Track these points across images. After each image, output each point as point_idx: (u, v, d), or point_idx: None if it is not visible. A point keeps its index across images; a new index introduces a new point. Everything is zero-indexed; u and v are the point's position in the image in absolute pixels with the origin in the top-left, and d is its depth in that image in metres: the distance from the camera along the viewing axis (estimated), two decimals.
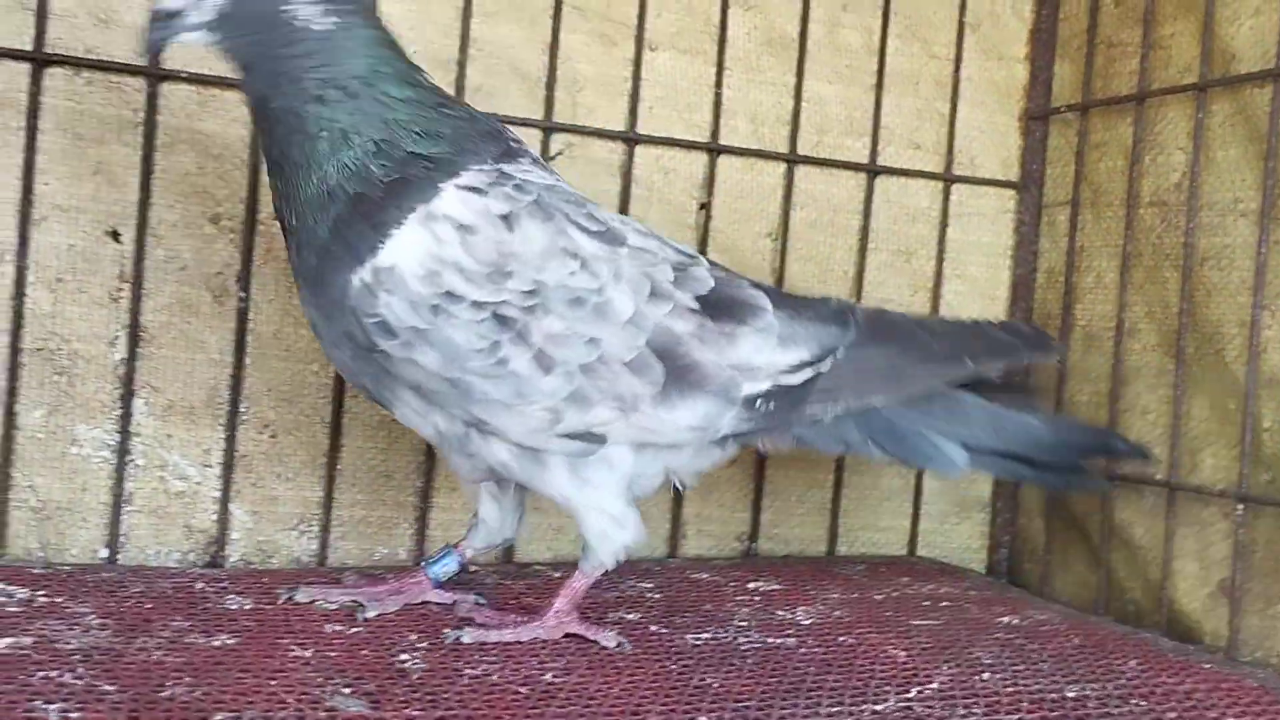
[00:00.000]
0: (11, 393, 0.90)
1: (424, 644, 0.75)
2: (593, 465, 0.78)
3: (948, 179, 1.15)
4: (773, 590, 0.95)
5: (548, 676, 0.71)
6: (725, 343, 0.77)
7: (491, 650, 0.75)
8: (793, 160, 1.10)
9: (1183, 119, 1.00)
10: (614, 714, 0.66)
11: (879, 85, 1.12)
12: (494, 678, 0.70)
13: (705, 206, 1.08)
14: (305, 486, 0.98)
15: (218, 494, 0.95)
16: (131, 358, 0.93)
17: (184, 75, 0.93)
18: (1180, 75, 1.01)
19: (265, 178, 0.93)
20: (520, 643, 0.77)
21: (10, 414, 0.90)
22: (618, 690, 0.69)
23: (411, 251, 0.71)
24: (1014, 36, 1.17)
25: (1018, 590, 1.07)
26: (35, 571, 0.84)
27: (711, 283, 0.79)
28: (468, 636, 0.76)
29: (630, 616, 0.85)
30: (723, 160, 1.08)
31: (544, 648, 0.76)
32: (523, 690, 0.68)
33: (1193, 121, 0.98)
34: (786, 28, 1.09)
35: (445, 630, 0.77)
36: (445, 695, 0.66)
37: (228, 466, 0.95)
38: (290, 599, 0.81)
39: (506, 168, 0.76)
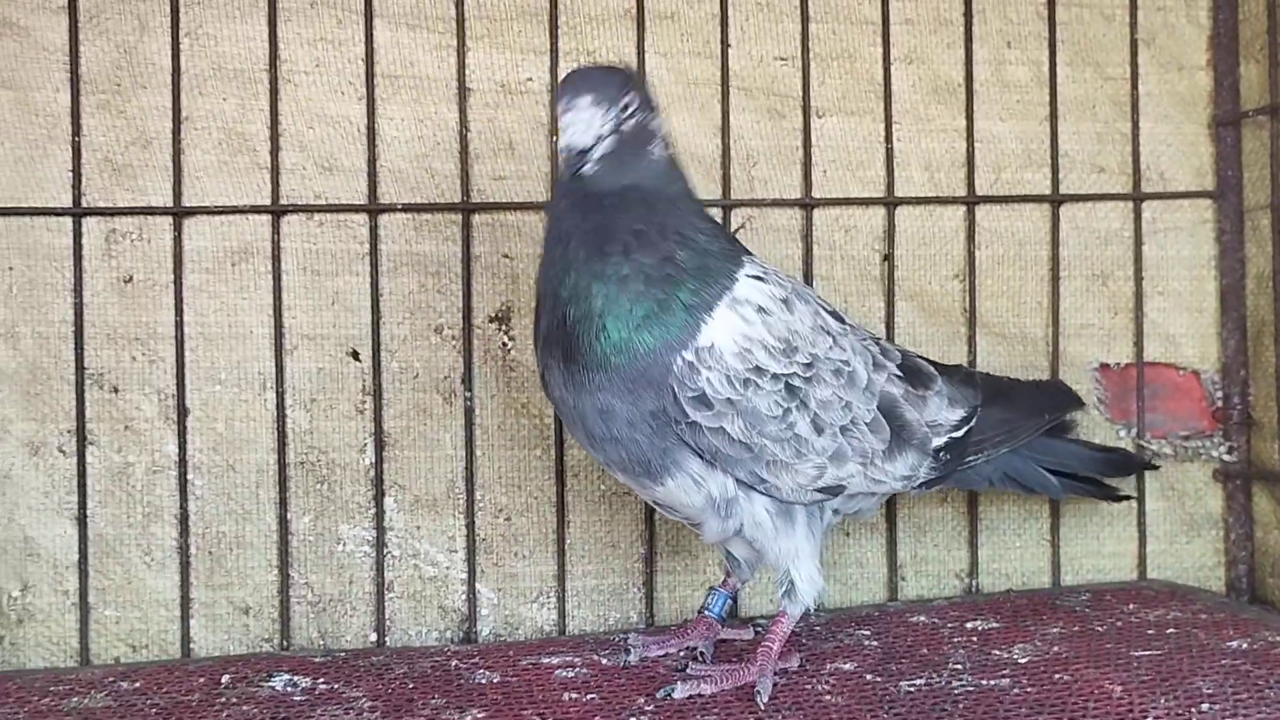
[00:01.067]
0: (283, 503, 1.03)
1: (650, 706, 0.82)
2: (816, 516, 0.90)
3: (1137, 198, 1.14)
4: (990, 630, 0.97)
5: None
6: (921, 404, 0.92)
7: (712, 706, 0.81)
8: (972, 201, 1.12)
9: None
10: None
11: (1053, 115, 1.13)
12: None
13: (889, 258, 1.11)
14: (540, 562, 1.07)
15: (464, 576, 1.06)
16: (379, 461, 1.05)
17: (399, 207, 1.04)
18: None
19: (476, 287, 1.05)
20: (732, 688, 0.82)
21: (284, 521, 1.03)
22: None
23: (727, 332, 0.83)
24: (1192, 45, 1.15)
25: (1256, 609, 1.04)
26: (316, 660, 0.95)
27: (899, 356, 0.94)
28: (679, 691, 0.83)
29: (846, 666, 0.89)
30: (901, 211, 1.11)
31: (760, 706, 0.81)
32: None
33: None
34: (951, 74, 1.12)
35: (661, 689, 0.83)
36: None
37: (470, 550, 1.05)
38: (625, 663, 0.91)
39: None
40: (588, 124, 0.81)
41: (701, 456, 0.85)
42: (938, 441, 0.92)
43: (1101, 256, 1.14)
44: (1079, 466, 1.06)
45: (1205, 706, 0.76)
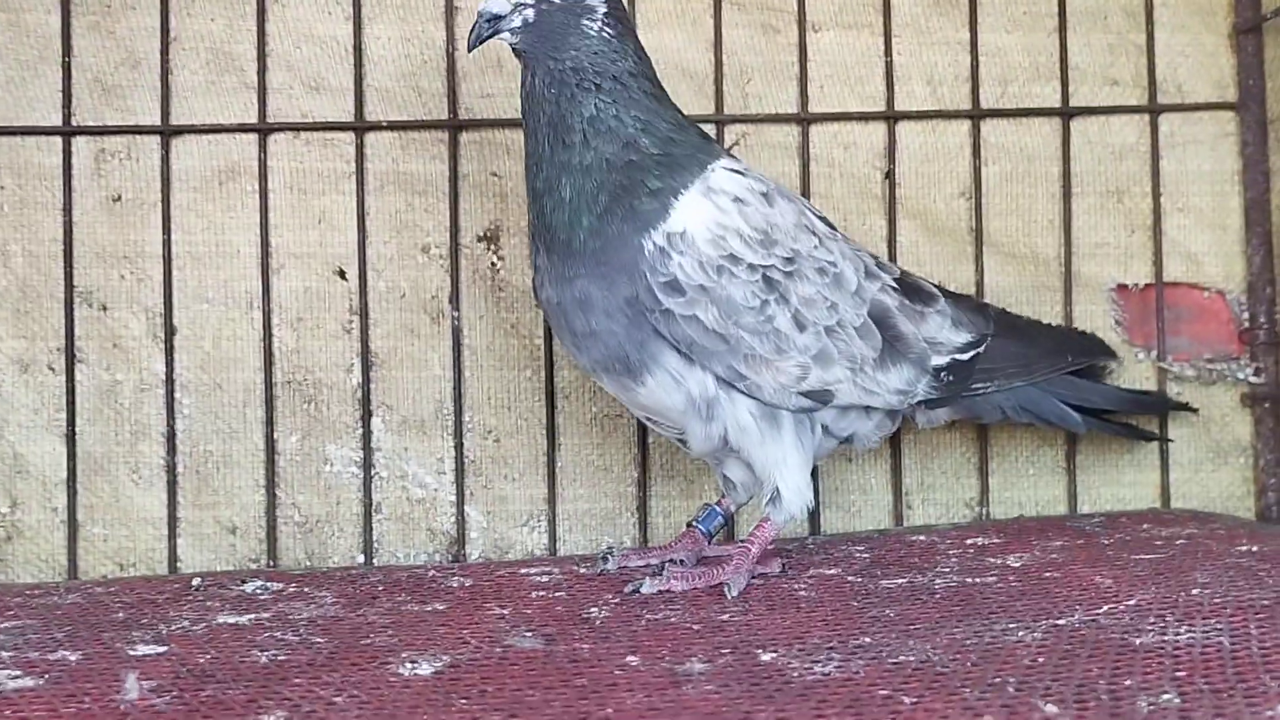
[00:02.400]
0: (270, 422, 1.02)
1: (616, 599, 0.79)
2: (805, 426, 0.87)
3: (1154, 110, 1.09)
4: (991, 544, 0.92)
5: (724, 616, 0.73)
6: (919, 319, 0.90)
7: (677, 600, 0.78)
8: (977, 115, 1.08)
9: None
10: (777, 638, 0.67)
11: (1062, 26, 1.08)
12: (671, 619, 0.72)
13: (890, 175, 1.08)
14: (530, 485, 1.04)
15: (453, 498, 1.04)
16: (366, 381, 1.03)
17: (384, 125, 1.04)
18: None
19: (464, 206, 1.04)
20: (703, 587, 0.79)
21: (270, 441, 1.02)
22: (789, 622, 0.70)
23: (699, 218, 0.82)
24: None
25: None
26: (295, 572, 0.94)
27: (897, 271, 0.92)
28: (647, 586, 0.80)
29: (830, 572, 0.86)
30: (902, 126, 1.08)
31: (727, 601, 0.78)
32: (695, 627, 0.70)
33: None
34: None
35: (628, 584, 0.80)
36: (618, 634, 0.70)
37: (459, 472, 1.04)
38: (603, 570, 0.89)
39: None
40: None
41: (679, 350, 0.82)
42: (938, 360, 0.90)
43: (1116, 172, 1.09)
44: (1104, 404, 1.02)
45: (1195, 591, 0.71)
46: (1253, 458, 1.08)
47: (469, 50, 0.84)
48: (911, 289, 0.91)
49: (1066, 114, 1.08)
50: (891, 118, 1.07)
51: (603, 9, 0.83)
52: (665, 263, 0.81)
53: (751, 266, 0.82)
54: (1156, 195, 1.08)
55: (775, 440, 0.85)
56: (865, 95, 1.08)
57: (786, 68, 1.07)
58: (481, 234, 1.05)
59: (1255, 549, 0.83)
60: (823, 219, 0.90)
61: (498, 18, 0.81)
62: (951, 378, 0.90)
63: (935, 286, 0.94)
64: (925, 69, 1.08)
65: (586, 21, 0.82)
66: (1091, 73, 1.09)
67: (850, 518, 1.07)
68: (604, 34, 0.82)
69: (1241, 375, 1.08)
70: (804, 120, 1.07)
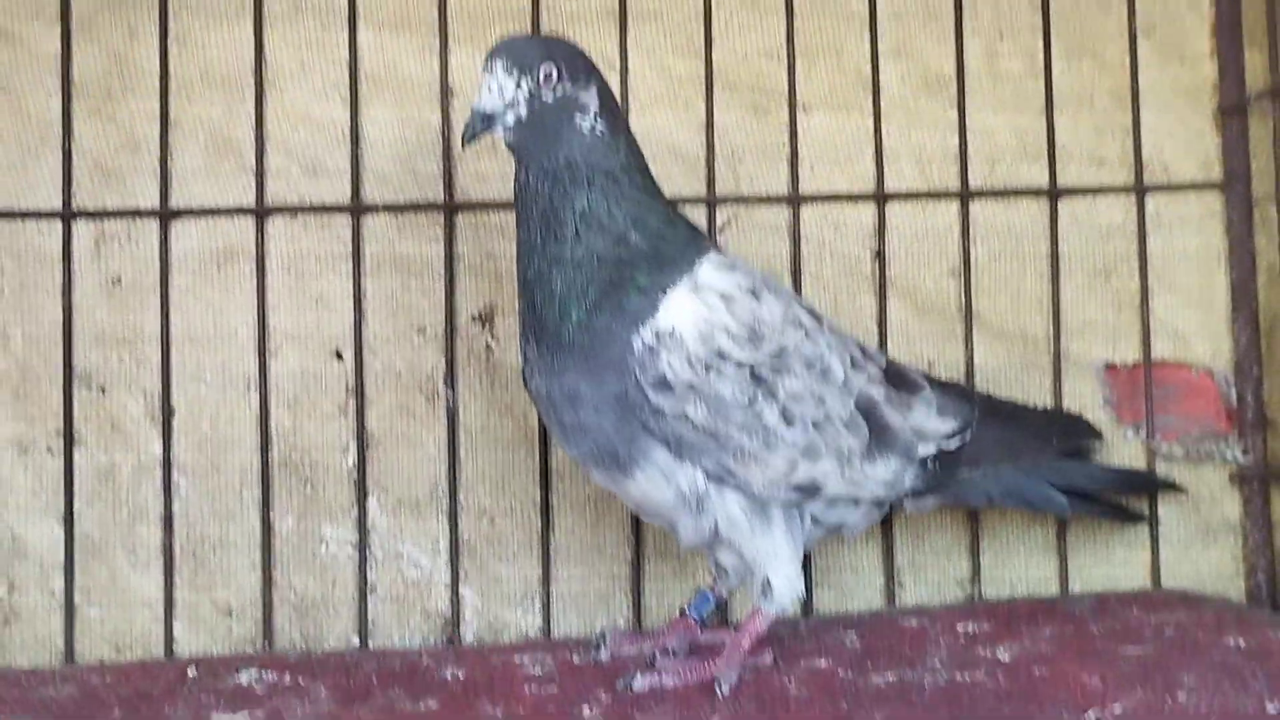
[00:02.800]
0: (266, 503, 1.03)
1: (608, 697, 0.79)
2: (795, 517, 0.87)
3: (1140, 190, 1.10)
4: (981, 631, 0.93)
5: (714, 719, 0.73)
6: (905, 409, 0.90)
7: (668, 698, 0.78)
8: (966, 195, 1.09)
9: None
10: None
11: (1049, 106, 1.10)
12: None
13: (880, 255, 1.09)
14: (525, 565, 1.05)
15: (448, 579, 1.04)
16: (362, 462, 1.04)
17: (381, 207, 1.05)
18: None
19: (460, 287, 1.05)
20: (694, 683, 0.80)
21: (267, 522, 1.03)
22: None
23: (687, 316, 0.82)
24: (1194, 33, 1.12)
25: (1271, 614, 0.99)
26: (290, 659, 0.95)
27: (884, 360, 0.92)
28: (638, 682, 0.80)
29: (821, 663, 0.86)
30: (892, 206, 1.09)
31: (720, 697, 0.78)
32: None
33: None
34: (942, 67, 1.10)
35: (620, 679, 0.81)
36: None
37: (454, 553, 1.04)
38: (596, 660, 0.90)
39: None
40: (499, 90, 0.81)
41: (668, 446, 0.83)
42: (925, 450, 0.90)
43: (1104, 251, 1.10)
44: (1090, 485, 1.03)
45: (1182, 695, 0.71)
46: (1242, 537, 1.09)
47: (463, 146, 0.85)
48: (897, 377, 0.92)
49: (1054, 194, 1.10)
50: (881, 198, 1.09)
51: (595, 105, 0.83)
52: (654, 360, 0.81)
53: (739, 364, 0.83)
54: (1144, 274, 1.10)
55: (765, 533, 0.86)
56: (855, 175, 1.09)
57: (777, 149, 1.09)
58: (476, 314, 1.06)
59: (1242, 644, 0.83)
60: (810, 310, 0.91)
61: (490, 116, 0.82)
62: (938, 467, 0.91)
63: (921, 374, 0.95)
64: (915, 149, 1.10)
65: (579, 118, 0.83)
66: (1078, 153, 1.11)
67: (842, 597, 1.07)
68: (596, 130, 0.83)
69: (1230, 454, 1.09)
70: (795, 201, 1.08)
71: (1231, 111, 1.10)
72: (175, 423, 1.03)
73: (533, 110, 0.82)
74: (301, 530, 1.04)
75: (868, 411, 0.88)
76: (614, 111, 0.86)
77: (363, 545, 1.04)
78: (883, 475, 0.88)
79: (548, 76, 0.81)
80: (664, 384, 0.81)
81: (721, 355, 0.82)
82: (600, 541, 1.06)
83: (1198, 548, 1.10)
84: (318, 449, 1.04)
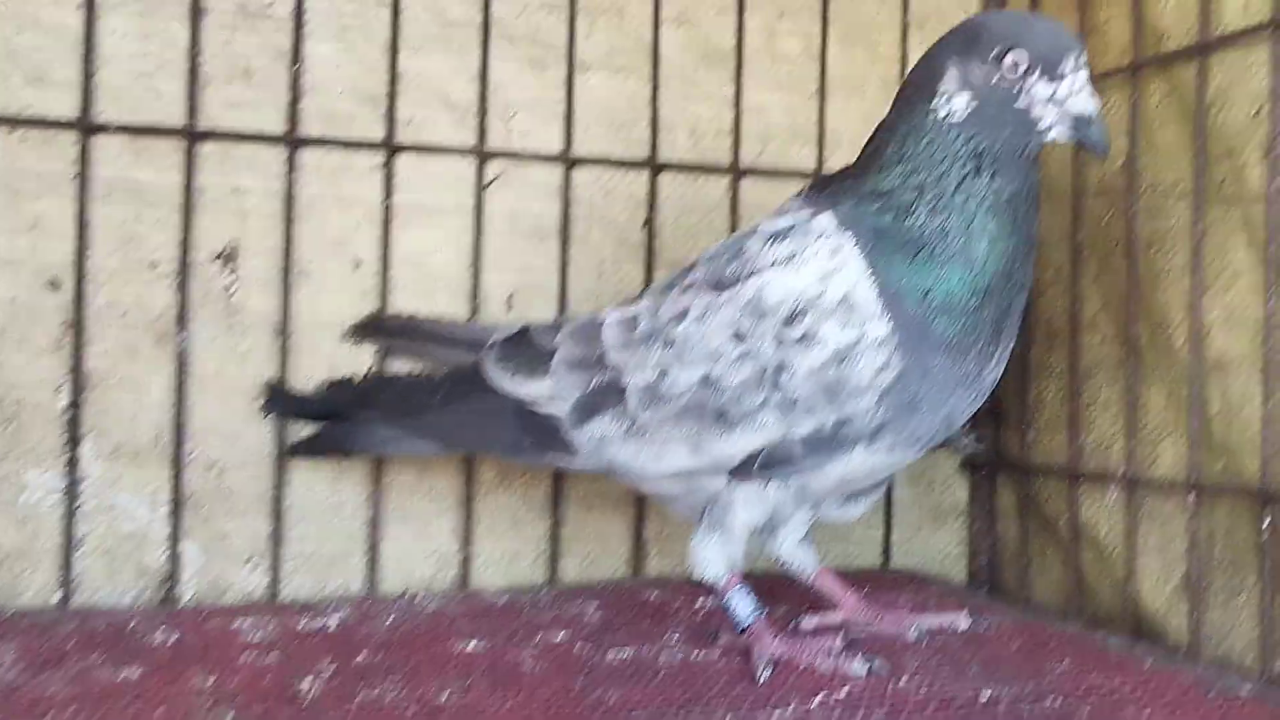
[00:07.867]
0: None
1: (332, 668, 0.75)
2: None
3: None
4: (716, 608, 0.93)
5: (442, 698, 0.70)
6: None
7: (397, 674, 0.74)
8: (737, 172, 1.09)
9: (1123, 102, 0.97)
10: None
11: (822, 91, 1.11)
12: (386, 699, 0.69)
13: (649, 224, 1.07)
14: (255, 521, 0.99)
15: (168, 533, 0.97)
16: (77, 403, 0.95)
17: (114, 127, 0.95)
18: (1119, 58, 0.98)
19: (200, 221, 0.97)
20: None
21: None
22: (508, 708, 0.68)
23: None
24: None
25: (989, 598, 1.04)
26: None
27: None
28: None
29: (559, 636, 0.84)
30: (665, 176, 1.08)
31: (450, 673, 0.75)
32: (409, 712, 0.67)
33: (1130, 105, 0.95)
34: (721, 40, 1.09)
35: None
36: (328, 716, 0.66)
37: (176, 505, 0.97)
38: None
39: None
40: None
41: None
42: None
43: None
44: None
45: (904, 681, 0.73)
46: (968, 521, 1.14)
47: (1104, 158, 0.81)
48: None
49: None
50: (655, 167, 1.07)
51: None
52: None
53: None
54: None
55: None
56: (630, 141, 1.07)
57: (553, 105, 1.05)
58: (217, 252, 0.98)
59: (962, 628, 0.87)
60: None
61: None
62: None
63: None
64: (690, 120, 1.09)
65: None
66: (847, 139, 1.12)
67: (590, 566, 1.06)
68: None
69: (964, 442, 1.13)
70: (567, 161, 1.05)
71: None
72: None
73: None
74: (1, 474, 0.94)
75: None
76: None
77: (72, 493, 0.95)
78: None
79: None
80: None
81: None
82: (339, 500, 1.01)
83: (927, 530, 1.14)
84: (24, 386, 0.95)
